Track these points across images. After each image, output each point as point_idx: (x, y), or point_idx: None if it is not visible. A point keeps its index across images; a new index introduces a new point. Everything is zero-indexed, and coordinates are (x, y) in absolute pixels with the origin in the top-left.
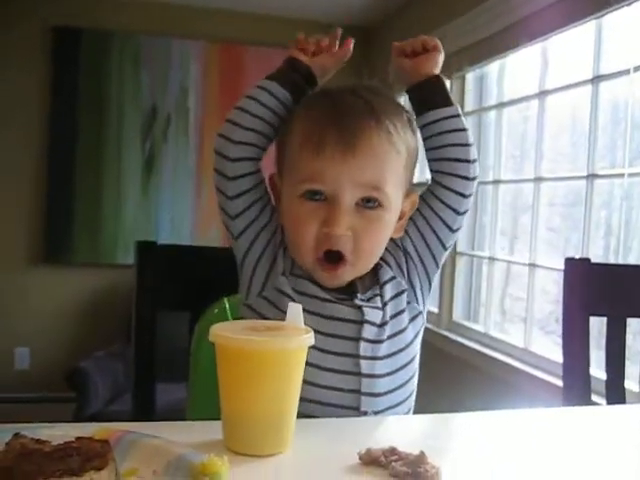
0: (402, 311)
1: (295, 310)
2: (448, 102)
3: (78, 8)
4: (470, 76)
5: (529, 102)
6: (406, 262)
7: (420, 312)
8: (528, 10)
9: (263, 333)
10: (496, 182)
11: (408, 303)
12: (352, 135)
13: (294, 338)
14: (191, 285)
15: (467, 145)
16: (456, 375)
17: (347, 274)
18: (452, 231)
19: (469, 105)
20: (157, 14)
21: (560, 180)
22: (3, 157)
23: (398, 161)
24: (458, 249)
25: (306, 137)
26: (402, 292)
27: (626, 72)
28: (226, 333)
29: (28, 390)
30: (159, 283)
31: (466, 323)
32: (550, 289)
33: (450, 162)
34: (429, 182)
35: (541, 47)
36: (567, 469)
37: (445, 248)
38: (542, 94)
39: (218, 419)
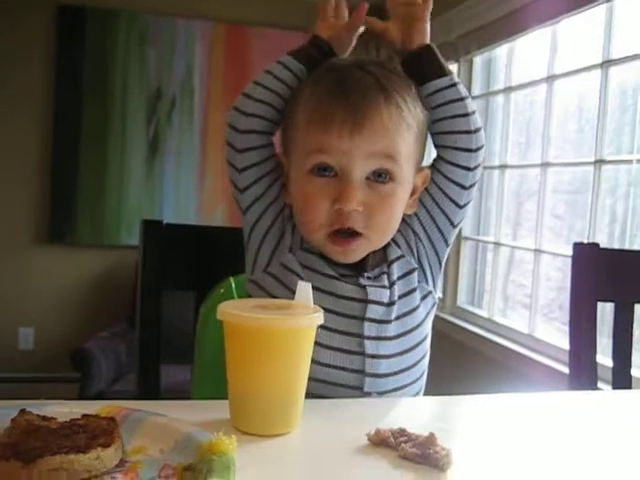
0: (413, 290)
1: (304, 288)
2: (442, 72)
3: None
4: (478, 60)
5: (537, 87)
6: (415, 242)
7: (430, 292)
8: None
9: (272, 311)
10: (502, 167)
11: (418, 282)
12: (360, 111)
13: (303, 317)
14: (197, 264)
15: (466, 115)
16: (460, 360)
17: (362, 248)
18: (460, 207)
19: (477, 89)
20: None
21: (567, 166)
22: (8, 138)
23: (409, 134)
24: (463, 234)
25: (313, 113)
26: (412, 271)
27: (637, 57)
28: (235, 311)
29: (32, 370)
30: (164, 262)
31: (470, 308)
32: (553, 276)
33: (451, 135)
34: (432, 160)
35: (551, 31)
36: (575, 452)
37: (454, 225)
38: (550, 78)
39: (223, 399)
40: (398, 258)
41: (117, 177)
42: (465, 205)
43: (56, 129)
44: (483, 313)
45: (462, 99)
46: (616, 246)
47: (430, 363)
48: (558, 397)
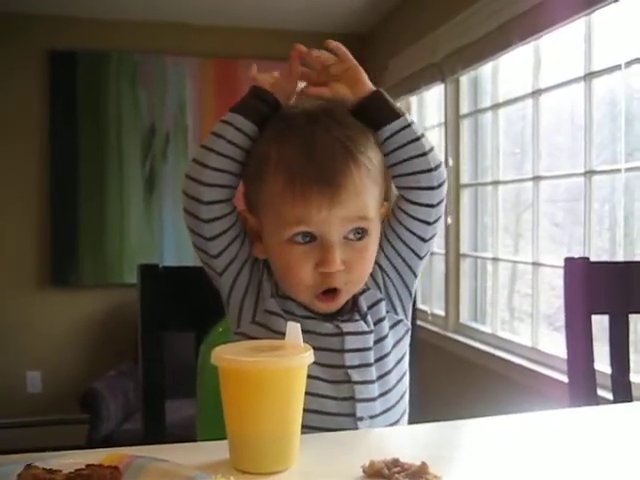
0: (382, 319)
1: (294, 329)
2: (396, 115)
3: (73, 31)
4: (464, 79)
5: (524, 102)
6: (382, 276)
7: (401, 320)
8: (518, 10)
9: (265, 353)
10: (495, 183)
11: (387, 312)
12: (335, 184)
13: (295, 357)
14: (195, 305)
15: (424, 154)
16: (465, 377)
17: (343, 300)
18: (425, 241)
19: (464, 108)
20: (150, 33)
21: (558, 178)
22: (5, 183)
23: (376, 189)
24: (461, 251)
25: (286, 185)
26: (378, 302)
27: (617, 67)
28: (228, 355)
29: (41, 413)
30: (163, 306)
31: (473, 325)
32: (557, 284)
33: (412, 175)
34: (395, 199)
35: (533, 46)
36: (576, 476)
37: (420, 258)
38: (536, 93)
39: (224, 440)
40: (363, 291)
41: (116, 216)
42: (430, 239)
43: (54, 171)
44: (486, 329)
45: (418, 139)
46: (618, 251)
47: (435, 381)
48: (554, 416)
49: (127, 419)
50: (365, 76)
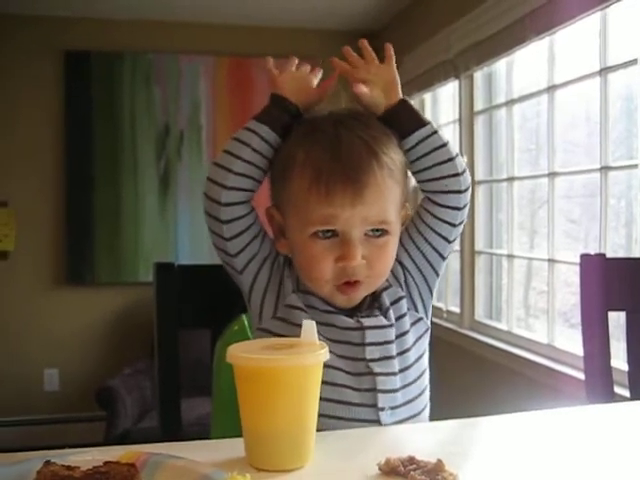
0: (404, 315)
1: (309, 326)
2: (421, 123)
3: (88, 31)
4: (478, 75)
5: (539, 97)
6: (404, 275)
7: (421, 318)
8: (532, 5)
9: (280, 351)
10: (510, 179)
11: (408, 309)
12: (358, 183)
13: (309, 355)
14: (210, 303)
15: (451, 160)
16: (480, 374)
17: (364, 292)
18: (449, 242)
19: (479, 104)
20: (164, 32)
21: (573, 174)
22: (21, 182)
23: (398, 189)
24: (476, 248)
25: (312, 184)
26: (400, 299)
27: (633, 62)
28: (243, 354)
29: (59, 411)
30: (179, 304)
31: (488, 322)
32: (574, 280)
33: (440, 180)
34: (421, 201)
35: (548, 41)
36: (592, 473)
37: (443, 258)
38: (551, 89)
39: (241, 435)
40: (385, 288)
41: (131, 214)
42: (454, 240)
43: (69, 170)
44: (502, 326)
45: (445, 145)
46: (634, 247)
47: (449, 378)
48: (570, 414)
49: (143, 417)
50: (399, 85)
